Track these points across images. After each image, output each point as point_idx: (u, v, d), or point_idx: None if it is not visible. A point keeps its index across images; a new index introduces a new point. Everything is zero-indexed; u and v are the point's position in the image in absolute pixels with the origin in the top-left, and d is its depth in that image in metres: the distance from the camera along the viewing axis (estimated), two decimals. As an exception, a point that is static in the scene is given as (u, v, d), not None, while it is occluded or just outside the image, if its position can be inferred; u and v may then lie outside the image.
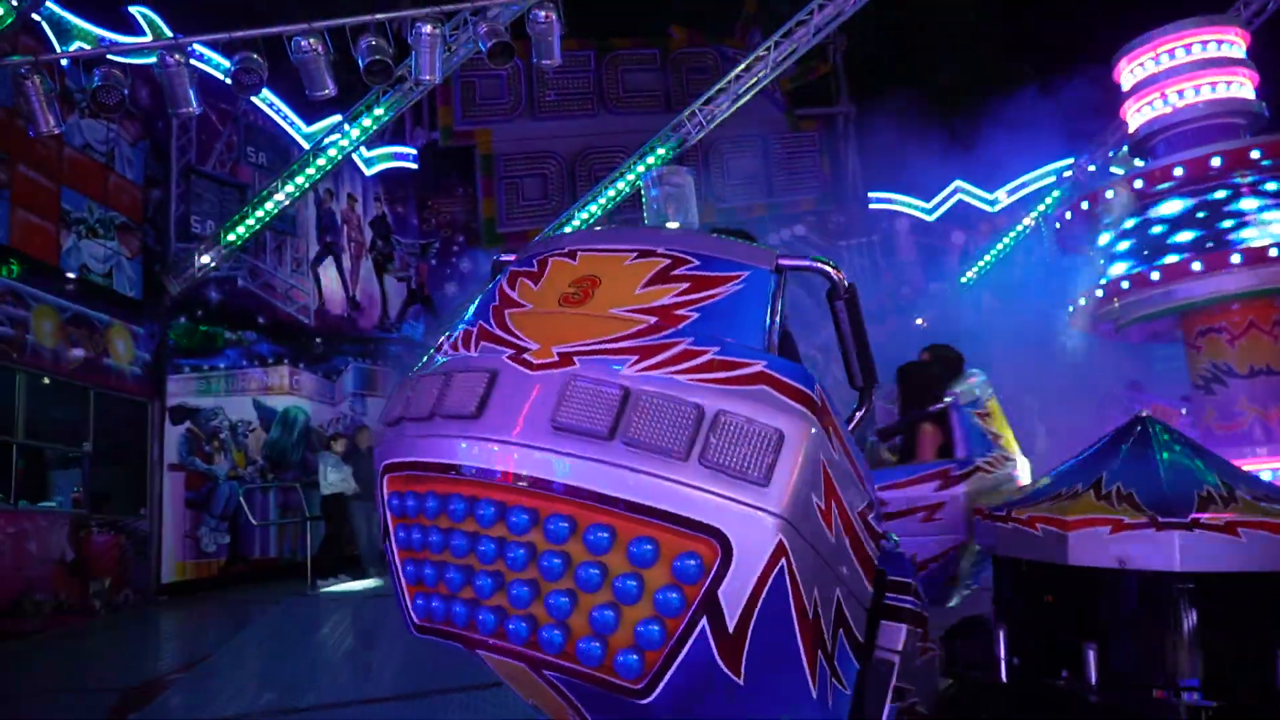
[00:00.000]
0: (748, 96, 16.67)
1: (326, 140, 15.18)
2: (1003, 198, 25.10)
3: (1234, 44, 14.71)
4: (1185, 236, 13.58)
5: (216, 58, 14.62)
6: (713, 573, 2.40)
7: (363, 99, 14.63)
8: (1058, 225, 17.30)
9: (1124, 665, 4.72)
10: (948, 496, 6.23)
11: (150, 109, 14.79)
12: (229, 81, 11.94)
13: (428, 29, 11.89)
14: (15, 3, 10.65)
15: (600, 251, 3.15)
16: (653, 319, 2.81)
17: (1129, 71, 15.34)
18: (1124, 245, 14.43)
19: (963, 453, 6.47)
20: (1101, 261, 14.87)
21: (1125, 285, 13.80)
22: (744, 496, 2.41)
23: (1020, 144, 21.43)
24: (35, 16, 11.92)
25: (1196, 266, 13.12)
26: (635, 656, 2.44)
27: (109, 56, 11.58)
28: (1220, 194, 13.58)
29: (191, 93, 11.31)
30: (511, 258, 3.39)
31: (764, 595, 2.43)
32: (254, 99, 16.50)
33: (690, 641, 2.40)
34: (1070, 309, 15.61)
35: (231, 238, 15.18)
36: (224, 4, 13.28)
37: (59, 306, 12.73)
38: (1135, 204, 14.32)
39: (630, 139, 20.09)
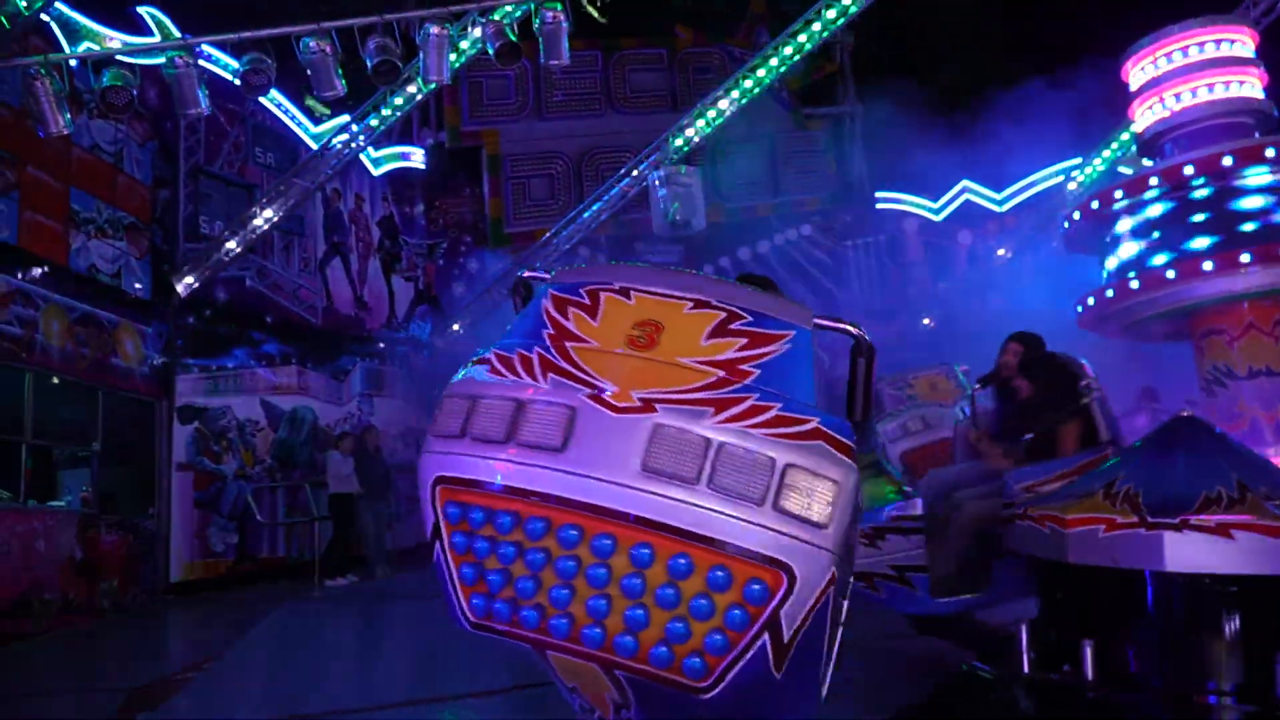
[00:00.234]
0: (753, 95, 16.66)
1: (335, 140, 15.22)
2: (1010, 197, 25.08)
3: (1242, 43, 14.66)
4: (1195, 235, 13.54)
5: (225, 58, 14.65)
6: (778, 598, 2.89)
7: (370, 99, 14.65)
8: (1065, 225, 17.26)
9: (1120, 663, 4.72)
10: None
11: (159, 109, 14.81)
12: (237, 82, 11.98)
13: (435, 29, 11.91)
14: (24, 2, 10.69)
15: (657, 295, 3.46)
16: (720, 373, 3.19)
17: (1137, 71, 15.29)
18: (1136, 245, 14.39)
19: (1107, 437, 6.44)
20: (1113, 261, 14.83)
21: (1135, 285, 13.77)
22: (809, 537, 2.91)
23: (1028, 143, 21.40)
24: (44, 17, 11.93)
25: (1208, 266, 13.08)
26: (700, 661, 2.90)
27: (118, 57, 11.61)
28: (1231, 193, 13.54)
29: (200, 93, 11.34)
30: (543, 275, 3.74)
31: (814, 613, 2.97)
32: (262, 99, 16.53)
33: (751, 651, 2.89)
34: (1079, 309, 15.57)
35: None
36: (232, 5, 13.32)
37: (67, 306, 12.77)
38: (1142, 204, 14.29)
39: (637, 139, 20.11)
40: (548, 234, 20.21)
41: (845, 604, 3.47)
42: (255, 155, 17.55)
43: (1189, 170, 13.63)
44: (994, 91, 21.60)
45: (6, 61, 10.74)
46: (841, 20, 15.40)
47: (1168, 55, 14.88)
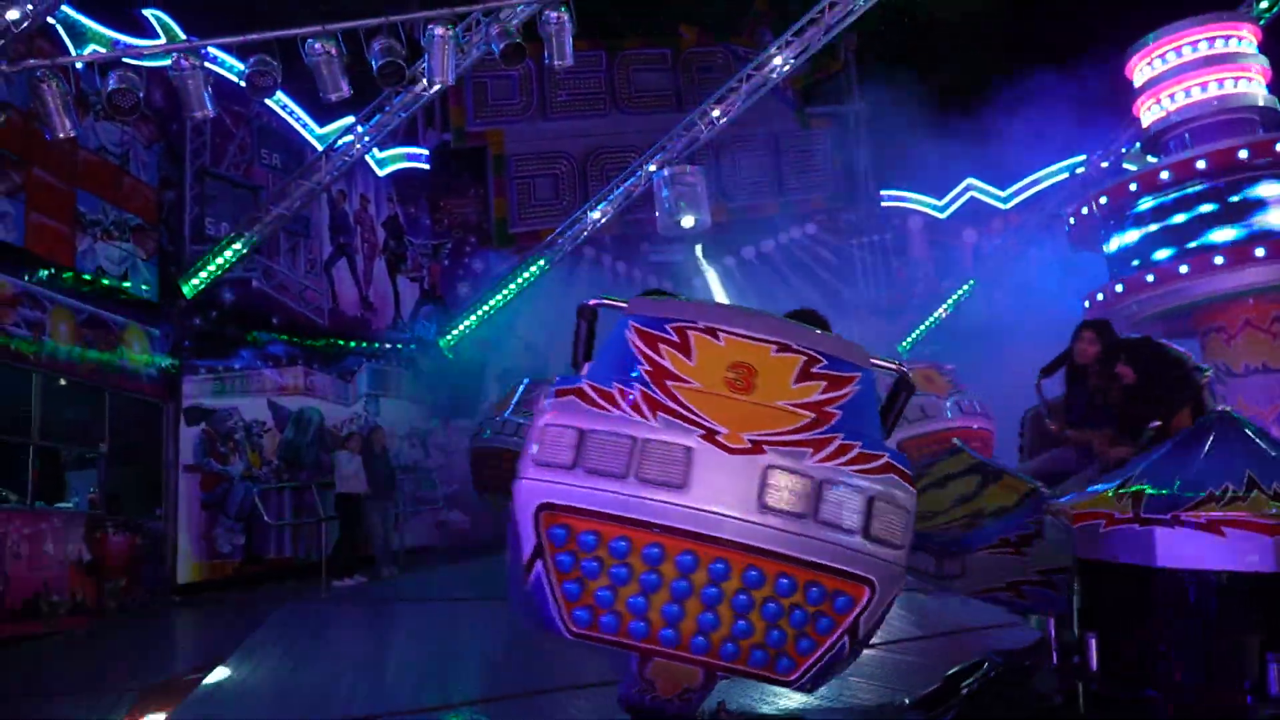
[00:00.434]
0: (758, 95, 16.65)
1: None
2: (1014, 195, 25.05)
3: (1246, 40, 14.67)
4: (1208, 230, 13.54)
5: (230, 60, 14.66)
6: (860, 606, 3.51)
7: (375, 100, 14.67)
8: (1072, 221, 17.27)
9: (1128, 657, 4.74)
10: None
11: (165, 111, 14.82)
12: (243, 84, 11.99)
13: (440, 30, 11.91)
14: (31, 5, 10.70)
15: (744, 339, 3.83)
16: (811, 415, 3.66)
17: (1141, 68, 15.31)
18: (1148, 240, 14.38)
19: None
20: (1122, 256, 14.83)
21: (1150, 279, 13.77)
22: (888, 556, 3.53)
23: (1032, 140, 21.38)
24: (50, 20, 11.96)
25: (1219, 260, 13.09)
26: (790, 660, 3.53)
27: (124, 60, 11.63)
28: (1244, 187, 13.53)
29: (206, 96, 11.35)
30: (618, 304, 4.14)
31: (882, 614, 3.58)
32: (267, 100, 16.54)
33: (834, 650, 3.54)
34: (1086, 304, 15.58)
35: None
36: (237, 7, 13.35)
37: (74, 308, 12.80)
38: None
39: (641, 138, 20.12)
40: (554, 234, 20.22)
41: None
42: (261, 156, 17.57)
43: (1202, 165, 13.63)
44: (998, 89, 21.57)
45: (13, 65, 10.76)
46: (848, 19, 15.37)
47: (1173, 51, 14.90)
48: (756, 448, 3.51)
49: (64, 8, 12.31)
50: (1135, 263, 14.57)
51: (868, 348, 4.10)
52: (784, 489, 3.45)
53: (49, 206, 12.60)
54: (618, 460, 3.48)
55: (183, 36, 13.53)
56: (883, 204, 25.30)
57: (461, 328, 20.87)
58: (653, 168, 17.59)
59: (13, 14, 10.25)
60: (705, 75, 23.93)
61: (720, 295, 23.60)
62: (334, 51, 11.44)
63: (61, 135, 10.98)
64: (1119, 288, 14.34)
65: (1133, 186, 14.67)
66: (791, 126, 25.10)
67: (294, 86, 14.78)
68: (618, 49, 24.46)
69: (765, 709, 4.93)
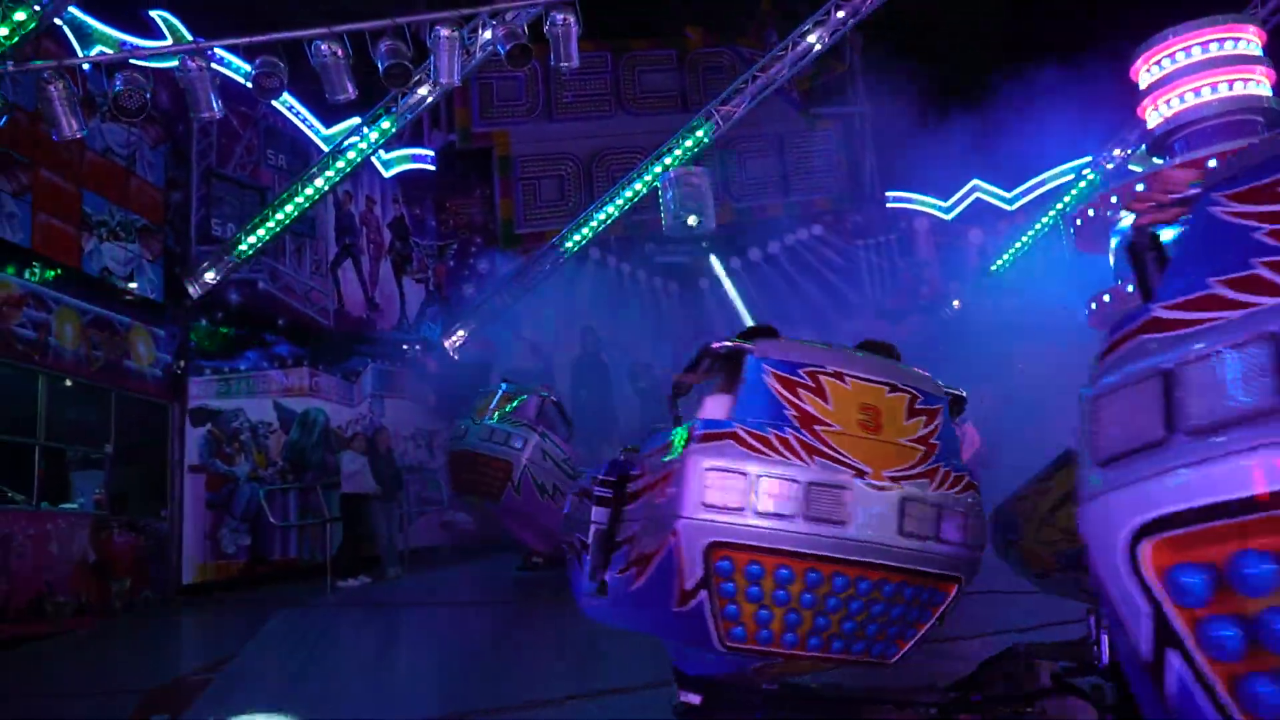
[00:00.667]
0: (764, 96, 16.65)
1: (346, 143, 15.26)
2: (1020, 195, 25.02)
3: (1251, 41, 14.65)
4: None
5: (237, 61, 14.70)
6: (951, 598, 4.20)
7: (380, 102, 14.68)
8: (1078, 222, 17.24)
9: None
10: None
11: (171, 112, 14.85)
12: (250, 85, 12.01)
13: (446, 32, 11.92)
14: (38, 7, 10.73)
15: (864, 381, 4.18)
16: (922, 449, 4.13)
17: (1146, 70, 15.29)
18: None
19: None
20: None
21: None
22: (975, 557, 4.20)
23: (1038, 141, 21.36)
24: (57, 21, 11.98)
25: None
26: (896, 647, 4.19)
27: (131, 61, 11.65)
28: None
29: (213, 97, 11.38)
30: (744, 346, 4.23)
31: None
32: (273, 102, 16.58)
33: (922, 633, 4.22)
34: (1092, 306, 15.57)
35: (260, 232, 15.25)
36: (243, 8, 13.37)
37: (80, 309, 12.83)
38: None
39: (647, 139, 20.09)
40: (559, 235, 20.22)
41: None
42: (267, 157, 17.60)
43: (1213, 164, 13.60)
44: (1004, 90, 21.55)
45: (20, 66, 10.79)
46: (852, 21, 15.38)
47: (1177, 55, 14.88)
48: (894, 483, 3.99)
49: (71, 9, 12.33)
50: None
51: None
52: (916, 516, 3.99)
53: (55, 207, 12.63)
54: (789, 503, 3.84)
55: (189, 38, 13.55)
56: (888, 205, 25.27)
57: (465, 330, 20.89)
58: (658, 168, 17.58)
59: (20, 15, 10.27)
60: (711, 76, 23.93)
61: (735, 298, 23.68)
62: (340, 53, 11.46)
63: (68, 136, 11.01)
64: (1130, 288, 14.30)
65: (1139, 187, 14.66)
66: (797, 127, 25.08)
67: (300, 88, 14.79)
68: (623, 50, 24.46)
69: (808, 680, 4.92)
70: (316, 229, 18.68)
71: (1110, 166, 21.00)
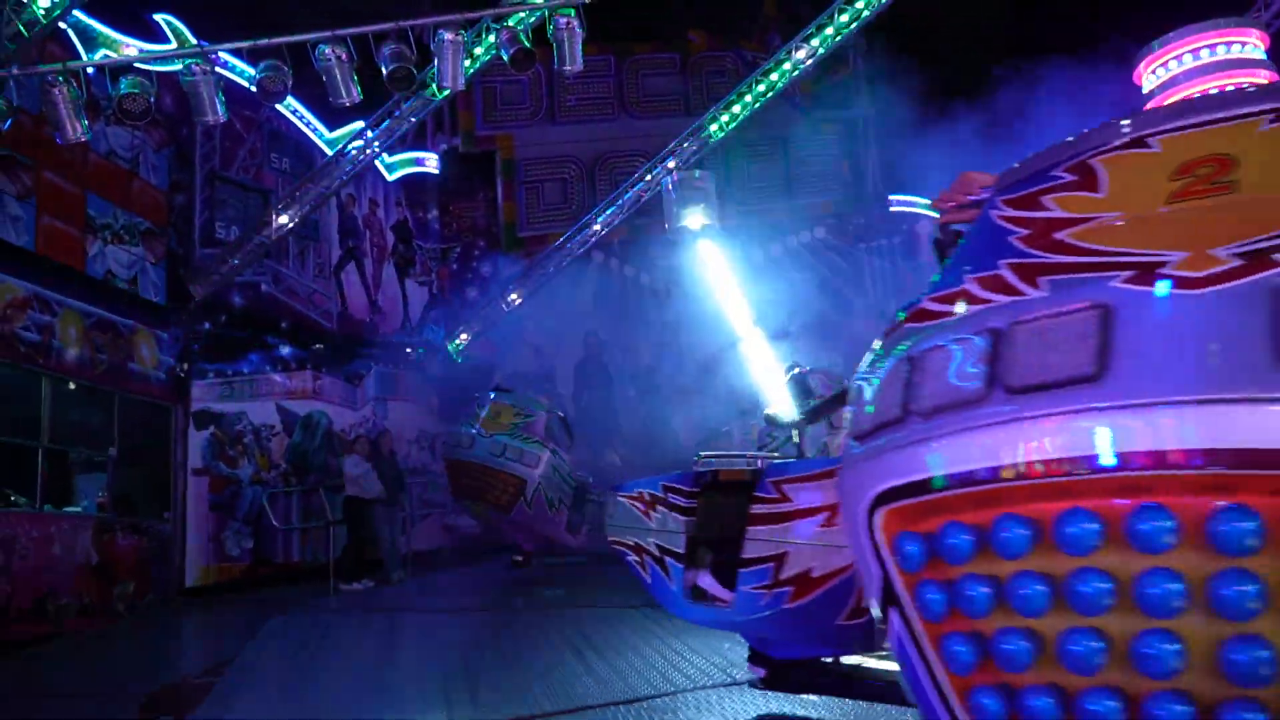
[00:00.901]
0: (767, 99, 16.66)
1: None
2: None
3: (1254, 45, 14.63)
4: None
5: (241, 65, 14.70)
6: None
7: (384, 105, 14.70)
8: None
9: None
10: None
11: (175, 115, 14.85)
12: (254, 89, 12.02)
13: (449, 36, 11.92)
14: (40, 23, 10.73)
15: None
16: None
17: (1150, 74, 15.27)
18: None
19: None
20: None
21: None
22: None
23: (1042, 145, 21.30)
24: (62, 25, 11.99)
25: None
26: None
27: (135, 64, 11.66)
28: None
29: (217, 101, 11.39)
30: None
31: None
32: (277, 105, 16.59)
33: None
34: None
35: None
36: (248, 11, 13.37)
37: (84, 312, 12.83)
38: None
39: (650, 143, 20.13)
40: (561, 239, 20.24)
41: None
42: (271, 161, 17.62)
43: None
44: (1008, 93, 21.54)
45: (25, 69, 10.80)
46: (855, 24, 15.39)
47: (1188, 55, 14.87)
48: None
49: (75, 12, 12.35)
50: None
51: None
52: None
53: (60, 210, 12.64)
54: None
55: (194, 41, 13.55)
56: (892, 208, 25.22)
57: (470, 333, 20.91)
58: (669, 165, 17.60)
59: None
60: (714, 80, 23.91)
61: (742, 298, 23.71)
62: (344, 57, 11.46)
63: (72, 139, 11.01)
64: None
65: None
66: (800, 130, 25.04)
67: (304, 91, 14.81)
68: (627, 54, 24.46)
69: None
70: (320, 232, 18.70)
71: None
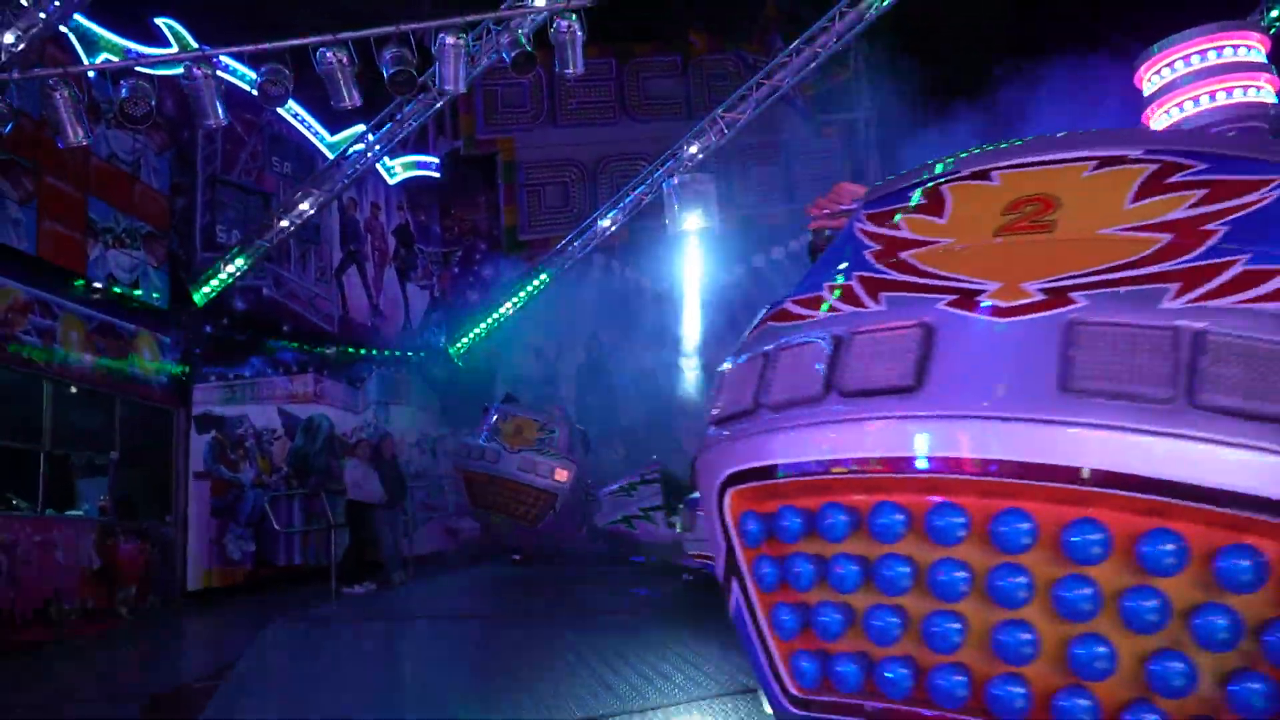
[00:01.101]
0: (769, 102, 16.65)
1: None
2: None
3: (1255, 48, 14.63)
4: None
5: (242, 68, 14.72)
6: None
7: (385, 109, 14.71)
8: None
9: None
10: None
11: (176, 119, 14.87)
12: (255, 93, 12.02)
13: (451, 39, 11.92)
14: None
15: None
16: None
17: (1150, 77, 15.27)
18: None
19: None
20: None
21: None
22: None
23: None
24: (62, 28, 12.00)
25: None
26: None
27: (136, 68, 11.67)
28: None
29: (218, 104, 11.38)
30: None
31: None
32: (278, 109, 16.60)
33: None
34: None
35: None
36: (248, 15, 13.38)
37: (85, 316, 12.84)
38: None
39: (651, 146, 20.11)
40: (563, 241, 20.24)
41: None
42: (272, 164, 17.63)
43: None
44: (1010, 95, 21.52)
45: (26, 73, 10.80)
46: (857, 27, 15.39)
47: (1184, 59, 14.86)
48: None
49: (76, 16, 12.36)
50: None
51: None
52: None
53: (61, 214, 12.64)
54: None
55: (194, 45, 13.57)
56: (892, 210, 25.19)
57: (471, 335, 20.90)
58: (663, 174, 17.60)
59: (11, 36, 10.28)
60: (716, 82, 23.91)
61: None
62: (345, 60, 11.46)
63: (73, 143, 10.98)
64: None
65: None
66: (801, 133, 25.03)
67: (305, 94, 14.84)
68: (628, 56, 24.48)
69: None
70: (321, 235, 18.70)
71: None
